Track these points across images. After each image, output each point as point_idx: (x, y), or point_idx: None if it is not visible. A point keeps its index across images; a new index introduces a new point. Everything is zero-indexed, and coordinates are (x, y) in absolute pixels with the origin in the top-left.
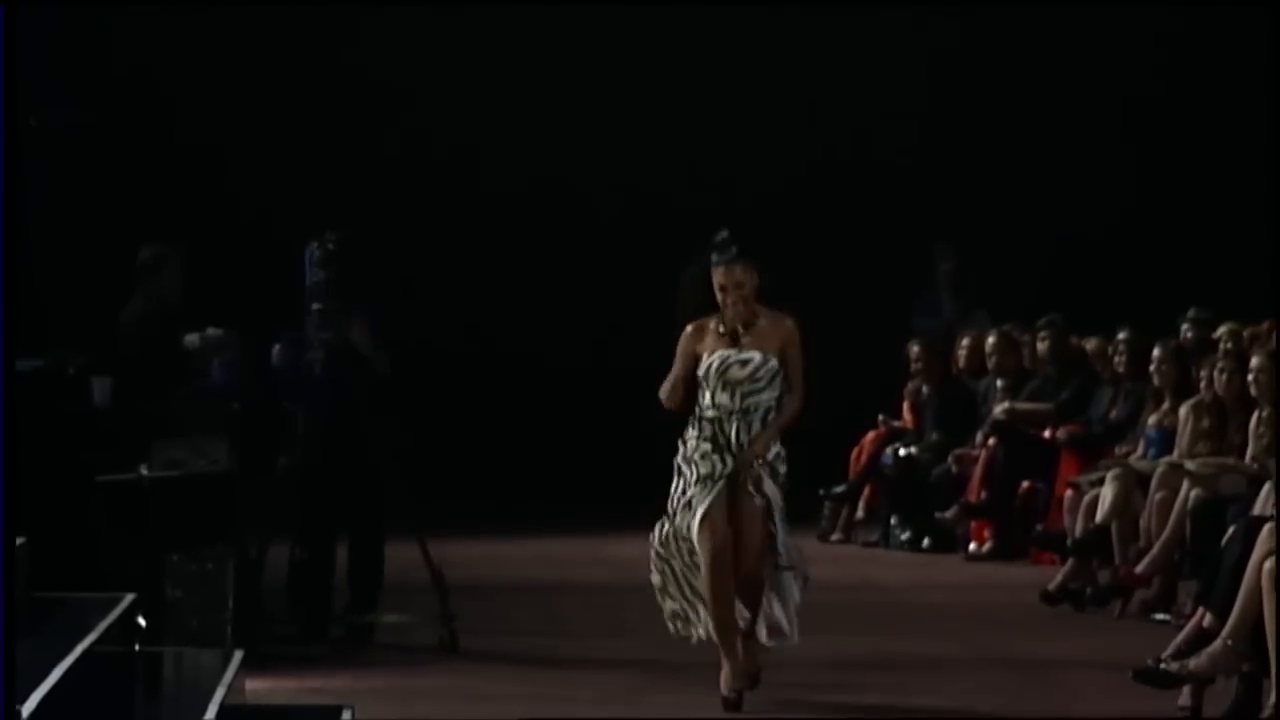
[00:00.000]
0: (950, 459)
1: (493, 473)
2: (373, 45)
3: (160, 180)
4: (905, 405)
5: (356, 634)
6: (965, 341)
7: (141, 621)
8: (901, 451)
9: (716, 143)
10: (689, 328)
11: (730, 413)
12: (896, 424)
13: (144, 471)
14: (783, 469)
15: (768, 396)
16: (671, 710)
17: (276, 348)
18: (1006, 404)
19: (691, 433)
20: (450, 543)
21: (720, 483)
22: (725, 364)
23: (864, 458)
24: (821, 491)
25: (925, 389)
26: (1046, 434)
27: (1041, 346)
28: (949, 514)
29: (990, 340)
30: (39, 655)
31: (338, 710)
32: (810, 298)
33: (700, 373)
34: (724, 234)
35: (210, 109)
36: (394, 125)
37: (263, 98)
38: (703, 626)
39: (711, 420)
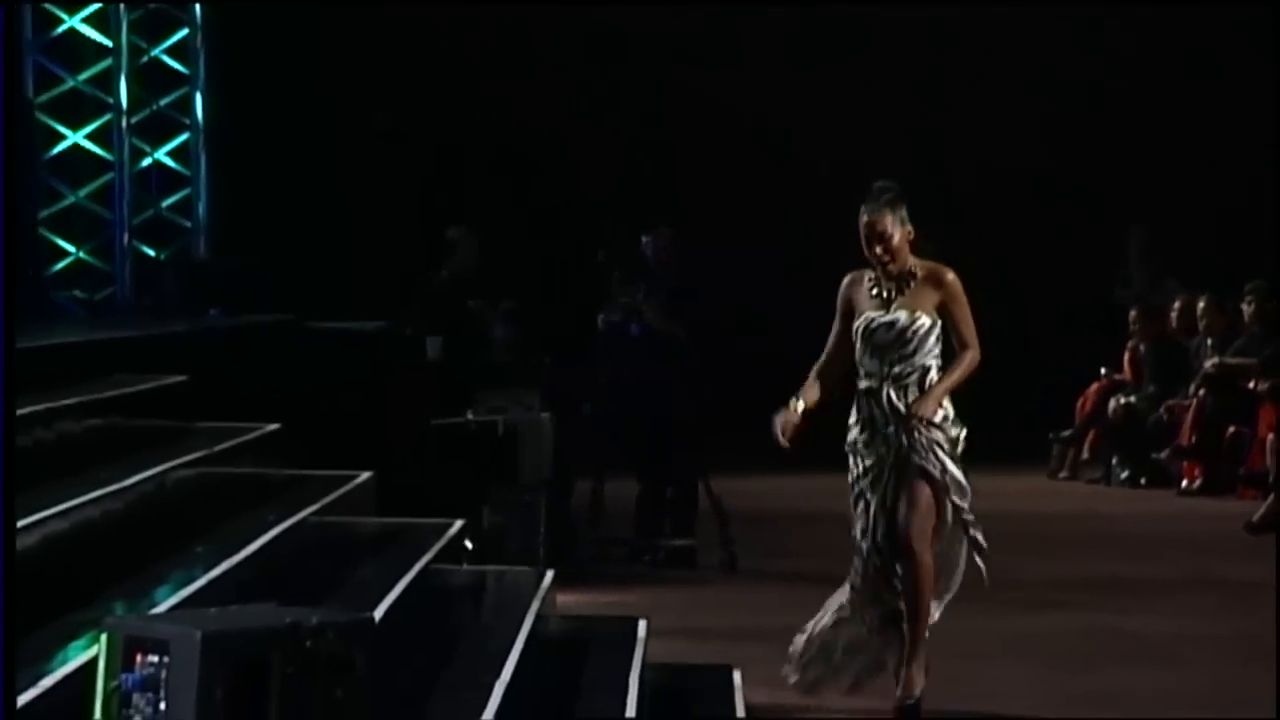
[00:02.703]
0: (1164, 408)
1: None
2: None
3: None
4: (1125, 360)
5: (675, 557)
6: (1177, 305)
7: (468, 544)
8: (1122, 400)
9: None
10: (847, 277)
11: (881, 380)
12: (1118, 377)
13: (470, 416)
14: (955, 432)
15: (922, 360)
16: None
17: (601, 315)
18: (1216, 359)
19: (851, 415)
20: (732, 477)
21: (887, 473)
22: (870, 327)
23: (1088, 406)
24: (1051, 435)
25: (1143, 346)
26: (1251, 385)
27: (1248, 309)
28: (1163, 455)
29: (1201, 304)
30: (385, 572)
31: (634, 620)
32: (1046, 270)
33: (852, 336)
34: (882, 182)
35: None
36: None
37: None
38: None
39: (865, 392)
